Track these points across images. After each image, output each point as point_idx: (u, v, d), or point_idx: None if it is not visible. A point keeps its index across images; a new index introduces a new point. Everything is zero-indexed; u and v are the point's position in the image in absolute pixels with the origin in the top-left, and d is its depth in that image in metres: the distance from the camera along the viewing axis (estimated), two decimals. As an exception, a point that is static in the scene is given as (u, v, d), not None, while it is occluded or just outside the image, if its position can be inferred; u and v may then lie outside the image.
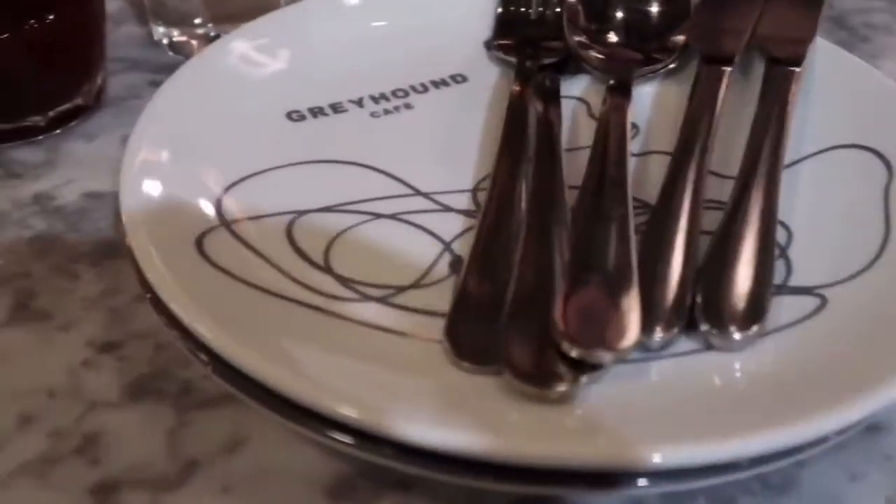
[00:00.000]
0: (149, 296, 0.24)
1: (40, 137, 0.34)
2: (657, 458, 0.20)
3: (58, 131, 0.34)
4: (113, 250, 0.29)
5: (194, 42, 0.39)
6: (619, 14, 0.35)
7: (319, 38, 0.35)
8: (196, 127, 0.30)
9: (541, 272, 0.24)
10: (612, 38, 0.35)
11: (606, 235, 0.25)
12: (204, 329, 0.22)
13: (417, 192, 0.29)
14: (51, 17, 0.32)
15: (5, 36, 0.31)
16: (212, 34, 0.39)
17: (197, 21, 0.39)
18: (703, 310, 0.24)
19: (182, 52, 0.39)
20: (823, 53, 0.34)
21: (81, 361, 0.26)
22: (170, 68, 0.39)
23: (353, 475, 0.23)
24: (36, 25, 0.32)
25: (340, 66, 0.35)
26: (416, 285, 0.26)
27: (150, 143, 0.28)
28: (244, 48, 0.34)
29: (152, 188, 0.27)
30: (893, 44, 0.43)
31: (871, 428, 0.24)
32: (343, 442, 0.21)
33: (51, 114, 0.34)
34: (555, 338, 0.22)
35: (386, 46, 0.36)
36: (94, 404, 0.24)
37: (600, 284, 0.23)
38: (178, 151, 0.28)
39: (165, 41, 0.40)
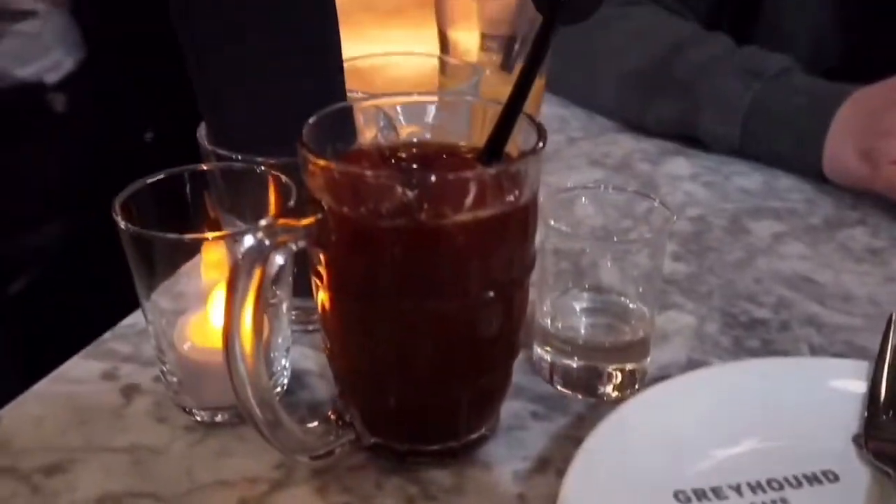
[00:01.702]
0: None
1: (449, 461, 0.40)
2: None
3: (464, 457, 0.40)
4: None
5: (576, 377, 0.45)
6: None
7: (699, 414, 0.39)
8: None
9: None
10: None
11: None
12: None
13: None
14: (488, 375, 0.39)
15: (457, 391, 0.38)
16: (577, 365, 0.45)
17: (555, 349, 0.45)
18: None
19: (561, 383, 0.45)
20: None
21: None
22: (547, 399, 0.44)
23: None
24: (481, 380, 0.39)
25: (719, 445, 0.38)
26: None
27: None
28: (634, 420, 0.39)
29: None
30: None
31: None
32: None
33: (464, 440, 0.40)
34: None
35: (755, 433, 0.39)
36: None
37: None
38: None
39: (546, 365, 0.46)
